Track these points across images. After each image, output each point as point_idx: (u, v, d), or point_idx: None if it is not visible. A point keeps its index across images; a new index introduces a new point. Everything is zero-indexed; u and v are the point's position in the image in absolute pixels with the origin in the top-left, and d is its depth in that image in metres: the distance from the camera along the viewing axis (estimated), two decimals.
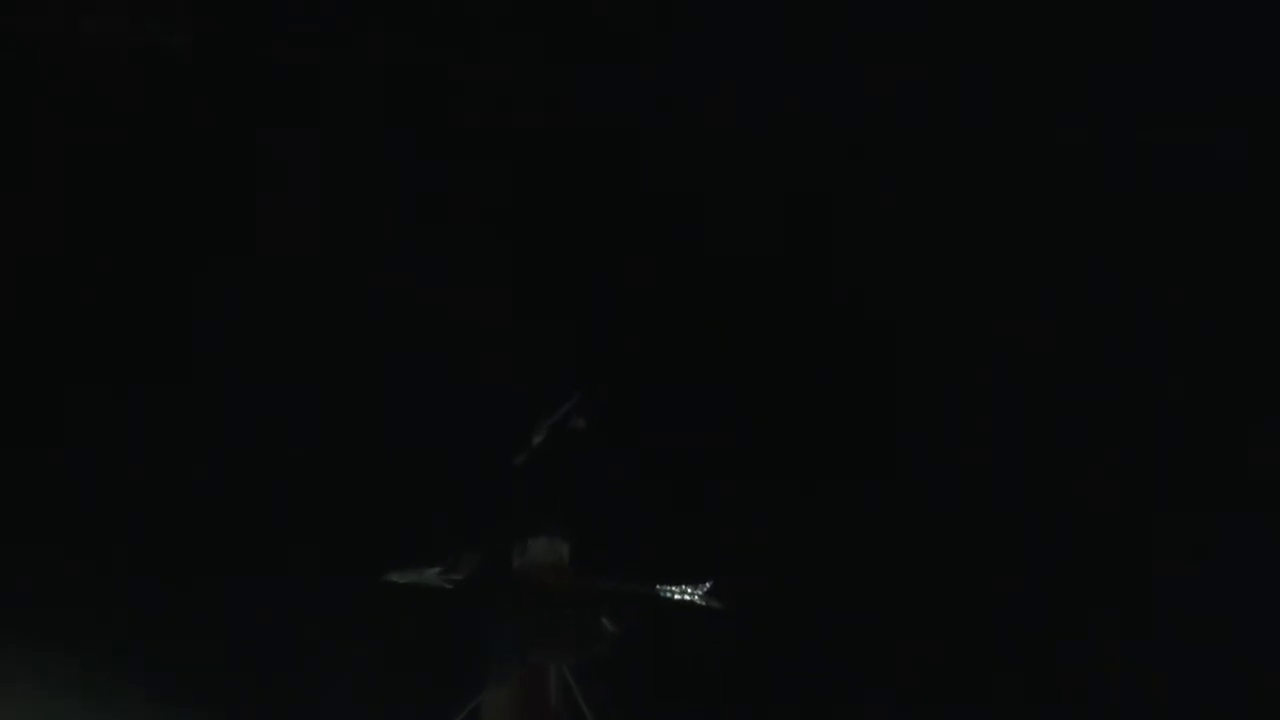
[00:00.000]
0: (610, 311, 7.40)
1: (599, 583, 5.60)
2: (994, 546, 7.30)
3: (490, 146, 7.51)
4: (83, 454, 7.18)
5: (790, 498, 7.31)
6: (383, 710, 6.94)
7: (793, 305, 7.54)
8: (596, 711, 5.42)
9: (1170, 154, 7.36)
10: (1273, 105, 7.36)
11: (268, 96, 7.47)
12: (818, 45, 7.42)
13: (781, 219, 7.56)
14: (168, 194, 7.49)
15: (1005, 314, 7.46)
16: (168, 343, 7.40)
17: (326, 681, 7.04)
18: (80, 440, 7.22)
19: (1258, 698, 7.09)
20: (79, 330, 7.38)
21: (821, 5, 7.41)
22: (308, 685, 7.04)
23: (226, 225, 7.49)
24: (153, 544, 7.15)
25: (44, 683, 6.98)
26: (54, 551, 7.08)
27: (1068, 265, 7.49)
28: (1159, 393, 7.41)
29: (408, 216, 7.46)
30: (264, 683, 7.06)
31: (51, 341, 7.36)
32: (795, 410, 7.47)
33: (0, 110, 7.39)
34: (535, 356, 7.20)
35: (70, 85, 7.43)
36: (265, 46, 7.42)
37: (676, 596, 5.64)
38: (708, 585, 5.64)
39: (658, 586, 5.66)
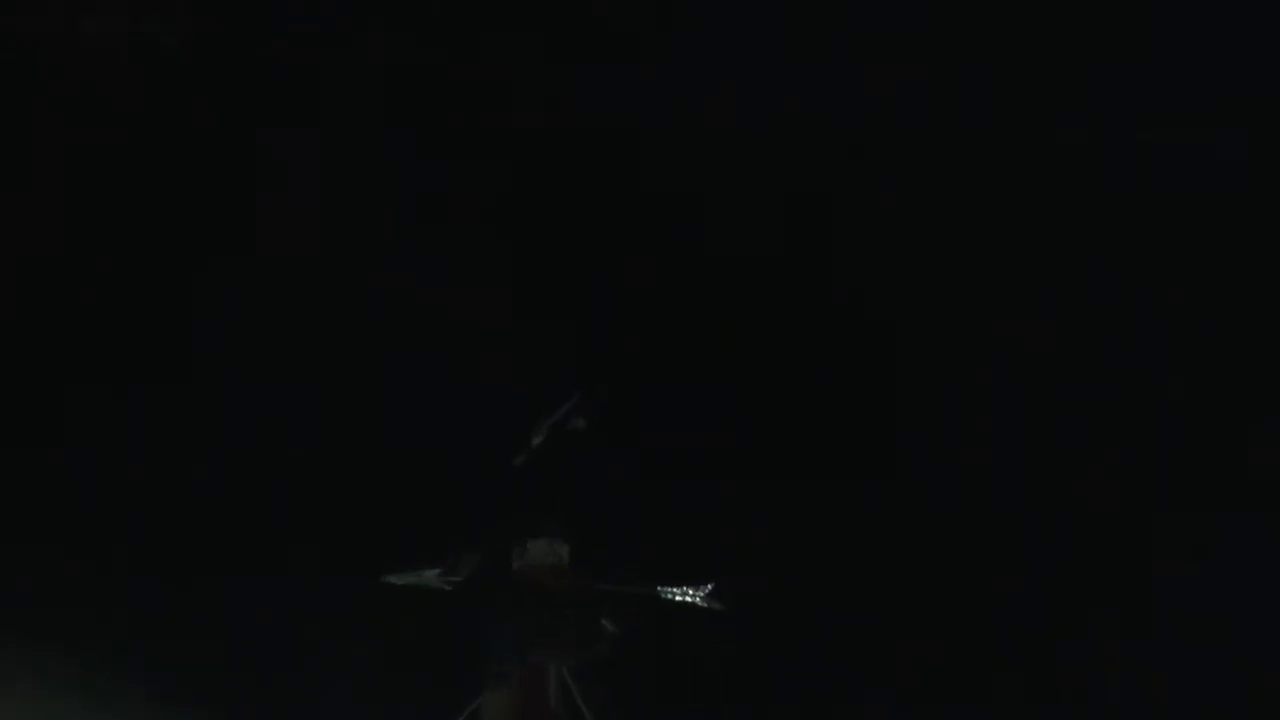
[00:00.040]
0: (610, 311, 7.40)
1: (599, 584, 5.59)
2: (994, 546, 7.30)
3: (490, 146, 7.51)
4: (83, 454, 7.18)
5: (790, 498, 7.30)
6: (383, 710, 6.94)
7: (793, 305, 7.53)
8: (596, 713, 5.42)
9: (1170, 154, 7.35)
10: (1273, 105, 7.35)
11: (268, 96, 7.47)
12: (818, 45, 7.42)
13: (781, 219, 7.56)
14: (167, 194, 7.49)
15: (1005, 314, 7.45)
16: (168, 343, 7.40)
17: (326, 681, 7.04)
18: (80, 440, 7.22)
19: (1258, 698, 7.08)
20: (79, 330, 7.38)
21: (821, 5, 7.41)
22: (308, 685, 7.04)
23: (226, 225, 7.49)
24: (153, 544, 7.15)
25: (44, 683, 6.99)
26: (54, 551, 7.09)
27: (1068, 265, 7.49)
28: (1159, 393, 7.41)
29: (408, 216, 7.46)
30: (264, 683, 7.06)
31: (51, 341, 7.36)
32: (795, 410, 7.47)
33: (0, 110, 7.40)
34: (535, 356, 7.20)
35: (70, 85, 7.43)
36: (265, 46, 7.42)
37: (677, 598, 5.64)
38: (709, 587, 5.64)
39: (658, 588, 5.66)
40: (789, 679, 7.16)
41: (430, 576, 5.73)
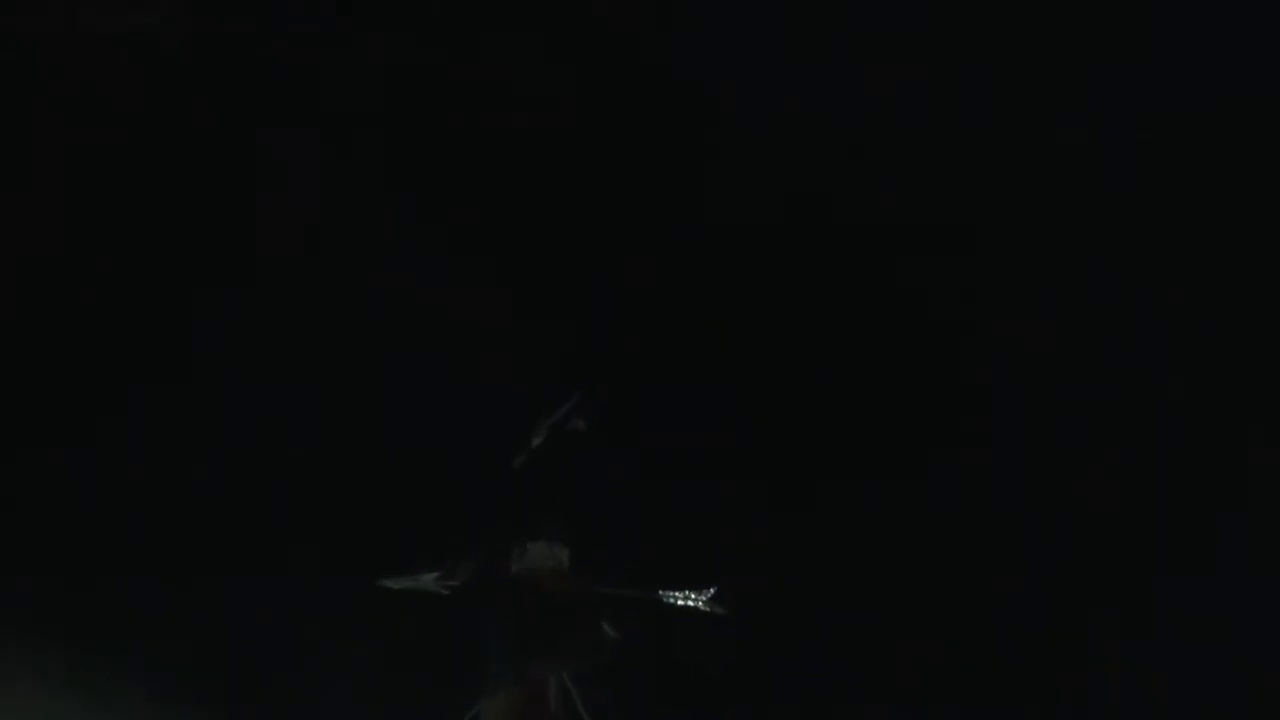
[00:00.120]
0: (610, 311, 7.40)
1: (599, 587, 5.58)
2: (994, 546, 7.30)
3: (490, 146, 7.51)
4: (83, 454, 7.18)
5: (790, 498, 7.30)
6: (383, 711, 6.94)
7: (793, 305, 7.53)
8: (597, 716, 5.41)
9: (1170, 154, 7.35)
10: (1273, 105, 7.35)
11: (268, 96, 7.46)
12: (818, 45, 7.41)
13: (781, 219, 7.55)
14: (167, 194, 7.49)
15: (1005, 314, 7.45)
16: (168, 343, 7.40)
17: (326, 681, 7.05)
18: (80, 440, 7.21)
19: (1258, 698, 7.09)
20: (79, 330, 7.37)
21: (821, 5, 7.40)
22: (308, 685, 7.04)
23: (226, 225, 7.49)
24: (153, 544, 7.15)
25: (44, 683, 6.99)
26: (54, 551, 7.09)
27: (1068, 265, 7.48)
28: (1159, 393, 7.40)
29: (408, 216, 7.45)
30: (264, 683, 7.06)
31: (51, 341, 7.35)
32: (795, 410, 7.47)
33: (0, 110, 7.39)
34: (535, 356, 7.19)
35: (70, 85, 7.43)
36: (265, 46, 7.41)
37: (678, 601, 5.63)
38: (711, 591, 5.63)
39: (659, 591, 5.64)
40: (790, 680, 7.16)
41: (428, 581, 5.71)
